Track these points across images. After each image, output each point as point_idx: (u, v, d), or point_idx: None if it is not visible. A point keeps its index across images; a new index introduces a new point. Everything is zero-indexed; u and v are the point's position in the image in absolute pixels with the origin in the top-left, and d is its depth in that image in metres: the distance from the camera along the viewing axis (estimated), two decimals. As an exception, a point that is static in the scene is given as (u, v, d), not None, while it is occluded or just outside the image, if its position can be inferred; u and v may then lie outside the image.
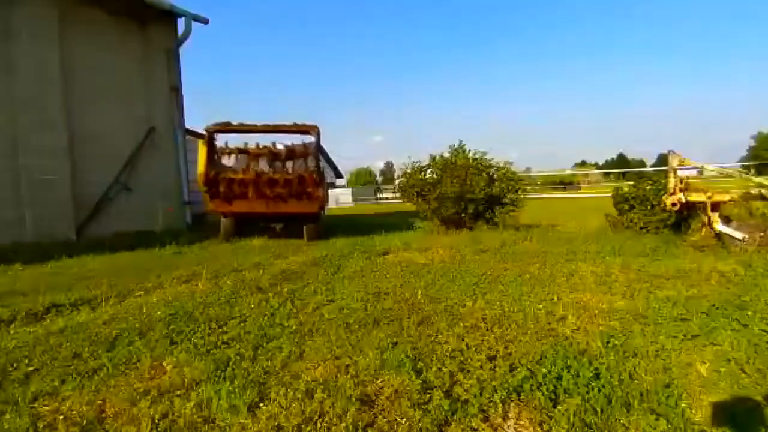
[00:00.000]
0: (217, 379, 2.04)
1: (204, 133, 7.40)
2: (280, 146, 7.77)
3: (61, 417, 1.78)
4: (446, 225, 7.86)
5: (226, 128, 7.29)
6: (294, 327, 2.77)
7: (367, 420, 1.67)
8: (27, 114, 7.20)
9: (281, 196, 7.18)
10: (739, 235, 4.90)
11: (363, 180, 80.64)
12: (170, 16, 9.19)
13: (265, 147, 7.60)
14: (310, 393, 1.87)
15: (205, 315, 3.09)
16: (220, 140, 7.43)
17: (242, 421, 1.69)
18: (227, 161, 7.47)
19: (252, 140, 7.74)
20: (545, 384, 1.85)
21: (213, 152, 7.13)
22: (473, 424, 1.63)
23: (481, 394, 1.80)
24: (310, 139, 7.58)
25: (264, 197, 7.16)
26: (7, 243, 6.72)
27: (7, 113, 7.04)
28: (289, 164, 7.65)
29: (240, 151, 7.50)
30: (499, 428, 1.63)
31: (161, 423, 1.70)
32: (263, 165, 7.52)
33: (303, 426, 1.63)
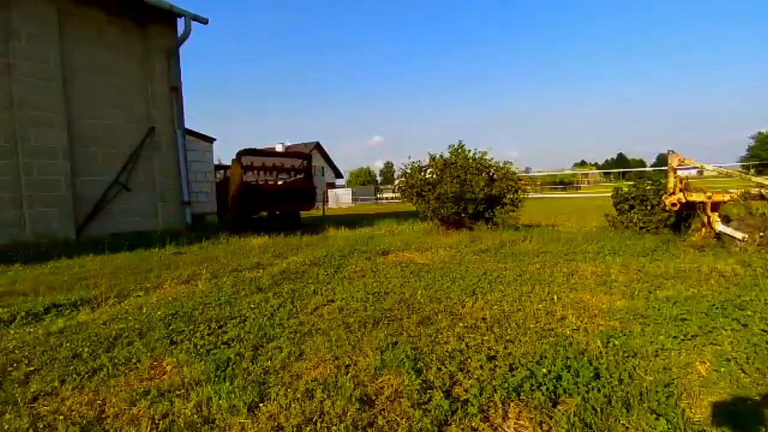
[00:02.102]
0: (217, 379, 2.04)
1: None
2: (290, 164, 10.65)
3: (61, 417, 1.77)
4: (446, 225, 7.86)
5: (252, 152, 10.00)
6: (294, 327, 2.77)
7: (367, 420, 1.67)
8: (27, 114, 7.20)
9: (291, 201, 10.22)
10: (738, 235, 4.90)
11: (363, 180, 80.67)
12: (170, 16, 9.19)
13: (281, 164, 10.41)
14: (310, 393, 1.87)
15: (204, 315, 3.09)
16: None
17: (242, 421, 1.69)
18: (255, 175, 10.49)
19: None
20: (545, 384, 1.85)
21: (244, 168, 9.40)
22: (473, 424, 1.63)
23: (481, 394, 1.80)
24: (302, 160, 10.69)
25: (280, 201, 10.14)
26: (7, 243, 6.72)
27: (7, 113, 7.04)
28: (292, 177, 10.74)
29: (265, 167, 10.04)
30: (499, 428, 1.63)
31: (161, 423, 1.69)
32: (282, 177, 10.91)
33: (303, 426, 1.63)
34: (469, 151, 8.10)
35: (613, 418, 1.63)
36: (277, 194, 10.19)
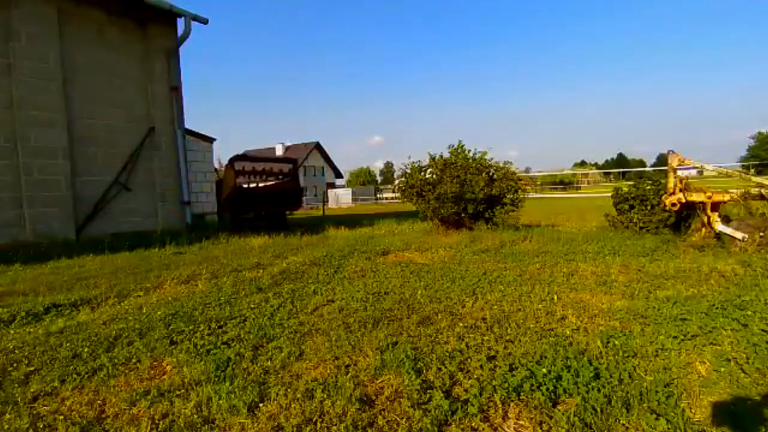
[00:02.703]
0: (217, 379, 2.04)
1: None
2: (278, 168, 11.66)
3: (61, 417, 1.78)
4: (446, 225, 7.85)
5: (244, 157, 11.13)
6: (294, 327, 2.77)
7: (367, 420, 1.67)
8: (27, 114, 7.20)
9: (280, 202, 11.23)
10: (738, 235, 4.90)
11: (363, 180, 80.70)
12: (170, 16, 9.19)
13: (270, 168, 11.44)
14: (310, 393, 1.87)
15: (204, 315, 3.09)
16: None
17: (242, 421, 1.69)
18: (247, 178, 11.33)
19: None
20: (545, 384, 1.85)
21: (237, 173, 10.32)
22: (473, 424, 1.63)
23: (481, 394, 1.80)
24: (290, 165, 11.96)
25: (270, 202, 11.02)
26: (7, 243, 6.72)
27: (7, 113, 7.04)
28: (284, 181, 11.71)
29: (255, 171, 11.15)
30: (499, 428, 1.63)
31: (161, 423, 1.70)
32: (270, 180, 11.77)
33: (303, 426, 1.63)
34: (469, 151, 8.11)
35: (613, 418, 1.63)
36: (267, 196, 11.21)
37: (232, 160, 10.53)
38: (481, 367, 2.06)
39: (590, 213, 10.38)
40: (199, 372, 2.12)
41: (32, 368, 2.27)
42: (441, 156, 8.17)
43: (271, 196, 11.22)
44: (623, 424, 1.60)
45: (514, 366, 2.05)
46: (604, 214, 7.37)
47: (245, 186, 11.38)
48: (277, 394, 1.88)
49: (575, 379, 1.87)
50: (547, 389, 1.81)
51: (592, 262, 4.52)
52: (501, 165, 8.05)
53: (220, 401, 1.81)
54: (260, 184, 12.00)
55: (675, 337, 2.33)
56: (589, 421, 1.61)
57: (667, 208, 5.71)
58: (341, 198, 44.40)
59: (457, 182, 7.42)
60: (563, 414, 1.65)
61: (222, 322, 2.90)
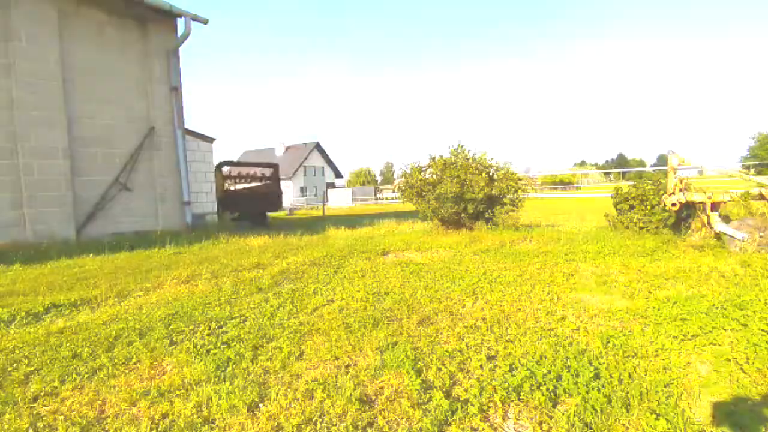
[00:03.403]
0: (217, 379, 2.04)
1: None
2: (261, 172, 13.63)
3: (61, 417, 1.78)
4: (446, 225, 7.85)
5: (231, 163, 13.12)
6: (294, 327, 2.77)
7: (367, 420, 1.67)
8: (27, 114, 7.20)
9: (263, 203, 12.95)
10: (738, 234, 4.90)
11: (363, 180, 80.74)
12: (170, 16, 9.19)
13: (254, 173, 13.37)
14: (310, 393, 1.87)
15: (204, 315, 3.09)
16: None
17: (242, 421, 1.69)
18: (234, 181, 13.13)
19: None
20: (545, 384, 1.85)
21: (225, 177, 12.11)
22: (473, 424, 1.63)
23: (481, 394, 1.80)
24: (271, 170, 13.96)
25: (254, 203, 12.71)
26: (7, 243, 6.72)
27: (7, 113, 7.04)
28: (264, 184, 13.67)
29: (241, 175, 13.02)
30: (499, 428, 1.63)
31: (161, 423, 1.70)
32: (254, 184, 13.64)
33: (303, 426, 1.63)
34: (469, 151, 8.11)
35: (613, 418, 1.63)
36: (249, 198, 12.79)
37: (220, 166, 12.15)
38: (481, 367, 2.06)
39: (590, 213, 10.38)
40: (199, 372, 2.12)
41: (32, 368, 2.27)
42: (441, 156, 8.16)
43: (253, 198, 12.78)
44: (623, 424, 1.60)
45: (514, 366, 2.05)
46: (604, 214, 7.37)
47: (231, 189, 12.90)
48: (277, 394, 1.88)
49: (575, 379, 1.87)
50: (547, 389, 1.81)
51: (592, 262, 4.52)
52: (501, 165, 8.05)
53: (220, 401, 1.81)
54: (244, 186, 13.56)
55: (675, 337, 2.33)
56: (589, 421, 1.61)
57: (667, 208, 5.70)
58: (341, 198, 44.40)
59: (457, 182, 7.41)
60: (563, 414, 1.65)
61: (222, 322, 2.90)
